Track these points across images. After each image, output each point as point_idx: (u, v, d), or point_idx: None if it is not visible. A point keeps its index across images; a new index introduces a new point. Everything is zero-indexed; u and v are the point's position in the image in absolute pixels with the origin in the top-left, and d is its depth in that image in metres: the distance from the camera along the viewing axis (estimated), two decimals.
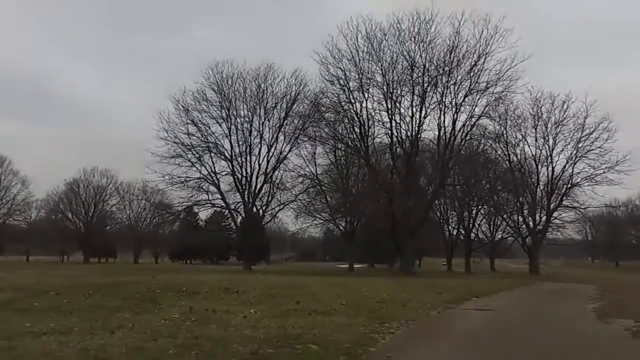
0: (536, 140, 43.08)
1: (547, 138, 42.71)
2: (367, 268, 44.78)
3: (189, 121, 37.50)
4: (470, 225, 49.32)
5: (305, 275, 23.89)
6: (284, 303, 10.84)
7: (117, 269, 32.25)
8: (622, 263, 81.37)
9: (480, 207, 48.16)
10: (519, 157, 44.47)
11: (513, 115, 41.13)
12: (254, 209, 39.31)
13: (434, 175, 36.20)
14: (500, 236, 54.18)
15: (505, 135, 42.71)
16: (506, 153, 43.80)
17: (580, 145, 41.57)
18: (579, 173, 42.36)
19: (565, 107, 41.38)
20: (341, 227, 44.12)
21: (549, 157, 43.53)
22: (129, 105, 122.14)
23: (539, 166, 43.92)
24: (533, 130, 42.76)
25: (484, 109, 34.33)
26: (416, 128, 33.63)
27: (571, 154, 42.21)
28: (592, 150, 41.06)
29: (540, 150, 43.34)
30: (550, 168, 43.81)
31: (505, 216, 47.84)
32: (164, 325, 7.68)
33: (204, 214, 53.20)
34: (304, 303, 10.80)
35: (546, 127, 42.38)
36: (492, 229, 52.84)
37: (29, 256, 54.66)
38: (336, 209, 41.43)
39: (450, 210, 50.07)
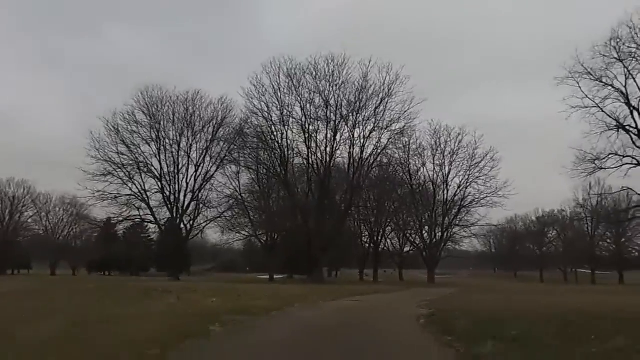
0: (434, 167, 54.93)
1: (443, 165, 54.63)
2: (286, 278, 53.34)
3: (119, 141, 44.13)
4: (379, 239, 59.95)
5: (234, 283, 32.07)
6: (230, 295, 19.20)
7: (57, 282, 38.06)
8: (521, 273, 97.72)
9: (388, 223, 59.00)
10: (420, 181, 56.11)
11: (415, 145, 52.52)
12: (182, 225, 46.59)
13: (345, 196, 45.97)
14: (407, 249, 65.90)
15: (408, 163, 54.08)
16: (409, 178, 55.11)
17: (470, 172, 53.89)
18: (467, 197, 54.75)
19: (459, 139, 53.54)
20: (262, 241, 52.54)
21: (445, 182, 55.55)
22: (44, 115, 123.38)
23: (436, 189, 55.74)
24: (432, 158, 54.58)
25: (388, 141, 44.96)
26: (329, 157, 43.25)
27: (462, 179, 54.43)
28: (480, 177, 53.46)
29: (437, 176, 55.22)
30: (445, 191, 55.91)
31: (408, 232, 59.26)
32: (171, 305, 15.70)
33: (123, 225, 58.83)
34: (243, 296, 19.22)
35: (443, 156, 54.27)
36: (401, 242, 64.15)
37: None
38: (258, 225, 49.83)
39: (364, 226, 60.38)
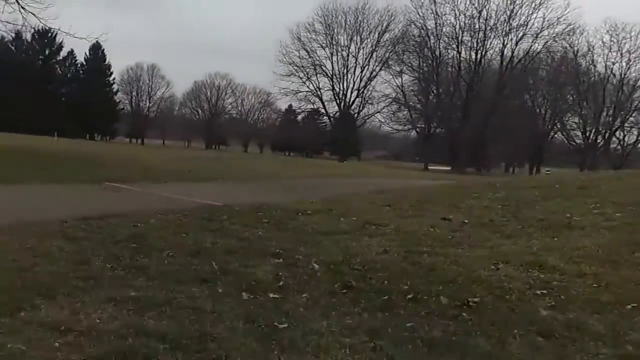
0: (605, 68, 70.78)
1: (618, 64, 70.08)
2: (441, 169, 77.28)
3: (300, 47, 71.31)
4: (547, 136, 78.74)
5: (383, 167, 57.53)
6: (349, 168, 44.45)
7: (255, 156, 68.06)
8: None
9: (557, 120, 77.23)
10: (590, 80, 72.53)
11: (583, 44, 69.25)
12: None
13: (493, 97, 67.04)
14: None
15: (574, 60, 70.99)
16: (576, 78, 72.04)
17: None
18: None
19: None
20: (417, 132, 77.13)
21: (620, 81, 71.10)
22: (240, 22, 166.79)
23: (605, 89, 71.74)
24: (603, 57, 70.64)
25: (545, 44, 64.45)
26: (477, 64, 64.45)
27: None
28: None
29: (609, 74, 70.98)
30: (620, 91, 71.42)
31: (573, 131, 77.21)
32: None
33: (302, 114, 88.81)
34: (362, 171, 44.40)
35: (620, 54, 69.56)
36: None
37: (164, 141, 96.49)
38: (414, 119, 74.15)
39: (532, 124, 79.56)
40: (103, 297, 4.52)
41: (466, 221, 8.99)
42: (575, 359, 3.84)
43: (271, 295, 4.96)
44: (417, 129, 77.26)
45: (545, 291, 5.23)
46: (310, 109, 78.46)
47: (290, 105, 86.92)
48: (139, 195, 12.98)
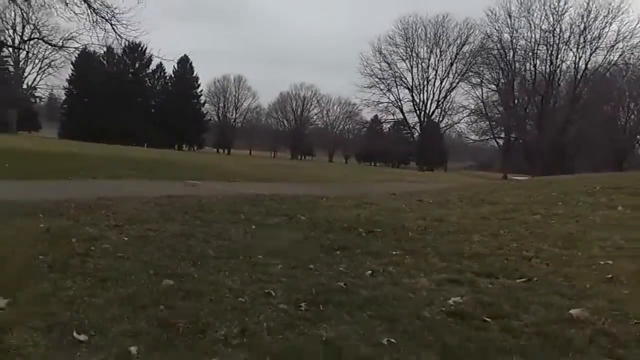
0: None
1: None
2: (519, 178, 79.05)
3: (381, 60, 75.51)
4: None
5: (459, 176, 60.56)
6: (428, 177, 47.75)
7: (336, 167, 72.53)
8: None
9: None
10: None
11: None
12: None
13: (565, 109, 68.49)
14: None
15: None
16: None
17: None
18: None
19: None
20: (497, 143, 79.31)
21: None
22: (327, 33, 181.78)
23: None
24: None
25: (621, 55, 65.81)
26: (551, 75, 66.32)
27: None
28: None
29: None
30: None
31: None
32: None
33: (386, 124, 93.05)
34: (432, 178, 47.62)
35: None
36: None
37: (251, 151, 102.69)
38: (494, 130, 76.33)
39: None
40: (175, 224, 8.76)
41: (431, 201, 12.71)
42: (417, 246, 7.66)
43: (268, 228, 9.01)
44: (497, 140, 79.87)
45: (425, 228, 9.10)
46: (392, 119, 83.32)
47: (375, 116, 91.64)
48: (210, 188, 17.24)
